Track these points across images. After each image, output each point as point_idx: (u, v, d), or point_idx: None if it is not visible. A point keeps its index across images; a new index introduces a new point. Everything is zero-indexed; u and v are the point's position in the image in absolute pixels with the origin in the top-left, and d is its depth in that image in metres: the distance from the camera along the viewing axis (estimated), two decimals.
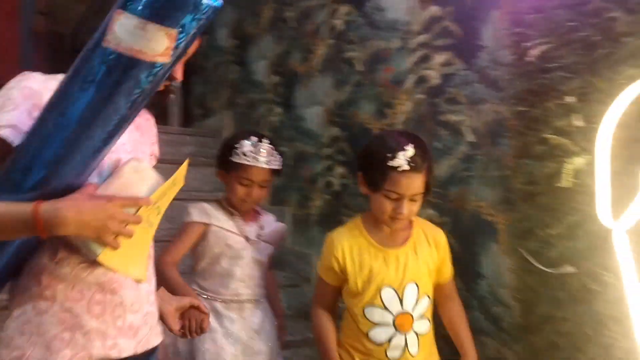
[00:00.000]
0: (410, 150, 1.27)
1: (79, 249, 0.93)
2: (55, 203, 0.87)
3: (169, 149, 3.33)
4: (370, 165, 1.36)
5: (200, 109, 3.62)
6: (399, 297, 1.38)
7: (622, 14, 1.32)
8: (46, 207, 0.85)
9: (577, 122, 1.44)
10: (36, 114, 0.91)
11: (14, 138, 0.90)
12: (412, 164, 1.27)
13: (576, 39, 1.42)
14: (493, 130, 1.73)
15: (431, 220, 1.54)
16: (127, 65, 0.85)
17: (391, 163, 1.27)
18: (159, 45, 0.85)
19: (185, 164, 1.04)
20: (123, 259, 0.95)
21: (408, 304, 1.38)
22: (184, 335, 1.24)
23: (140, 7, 0.83)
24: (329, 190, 2.48)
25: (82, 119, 0.87)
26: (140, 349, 1.02)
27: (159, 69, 0.88)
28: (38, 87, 0.95)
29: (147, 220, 0.96)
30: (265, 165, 1.57)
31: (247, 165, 1.55)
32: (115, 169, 0.96)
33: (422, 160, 1.29)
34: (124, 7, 0.84)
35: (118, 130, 0.92)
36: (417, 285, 1.39)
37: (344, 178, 2.40)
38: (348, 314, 1.45)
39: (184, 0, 0.84)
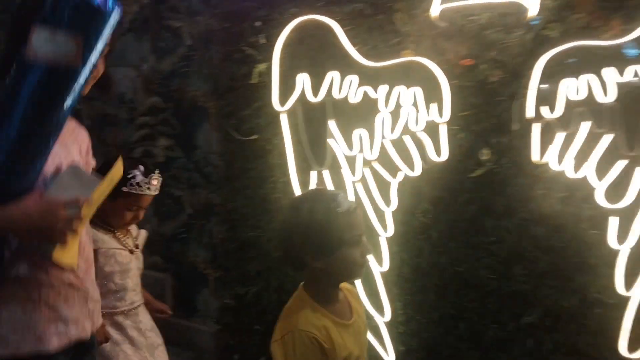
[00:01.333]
0: (340, 192, 1.26)
1: (36, 252, 1.07)
2: (4, 209, 0.98)
3: None
4: (315, 233, 1.18)
5: None
6: None
7: None
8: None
9: (262, 40, 2.12)
10: None
11: None
12: (351, 201, 1.24)
13: None
14: (205, 37, 2.29)
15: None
16: (48, 74, 0.98)
17: (340, 210, 1.19)
18: (69, 49, 0.98)
19: (119, 161, 1.21)
20: (68, 252, 1.10)
21: None
22: None
23: (46, 20, 0.96)
24: (150, 160, 2.44)
25: (19, 129, 0.98)
26: (94, 329, 1.28)
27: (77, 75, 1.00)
28: None
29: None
30: (155, 193, 1.67)
31: (140, 194, 1.63)
32: (56, 175, 1.08)
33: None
34: (38, 22, 0.97)
35: (52, 136, 1.04)
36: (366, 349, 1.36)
37: (169, 150, 2.42)
38: None
39: (78, 8, 0.97)
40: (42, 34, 0.96)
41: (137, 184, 1.62)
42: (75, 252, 1.14)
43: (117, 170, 1.19)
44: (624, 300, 1.59)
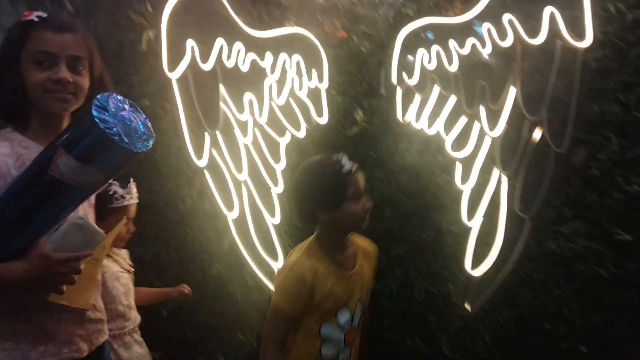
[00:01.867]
0: (344, 156, 1.43)
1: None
2: (10, 266, 1.04)
3: None
4: (324, 189, 1.40)
5: None
6: (352, 316, 1.47)
7: None
8: (2, 270, 1.04)
9: (149, 8, 2.17)
10: None
11: None
12: (354, 163, 1.43)
13: None
14: (88, 4, 2.25)
15: None
16: (70, 187, 1.01)
17: (344, 171, 1.40)
18: (94, 178, 1.03)
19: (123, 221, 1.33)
20: (70, 294, 1.14)
21: (356, 320, 1.48)
22: None
23: (77, 152, 0.97)
24: None
25: (30, 221, 1.04)
26: (93, 347, 1.28)
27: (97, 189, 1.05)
28: None
29: (93, 258, 1.15)
30: (137, 200, 1.69)
31: (126, 206, 1.64)
32: (61, 227, 1.09)
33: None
34: (65, 148, 0.97)
35: (59, 218, 1.08)
36: (362, 302, 1.51)
37: None
38: (296, 337, 1.45)
39: (112, 150, 0.97)
40: (72, 164, 0.98)
41: (121, 196, 1.67)
42: (90, 295, 1.21)
43: (120, 225, 1.35)
44: (468, 229, 2.00)
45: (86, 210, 1.28)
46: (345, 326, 1.46)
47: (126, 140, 0.96)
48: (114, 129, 0.95)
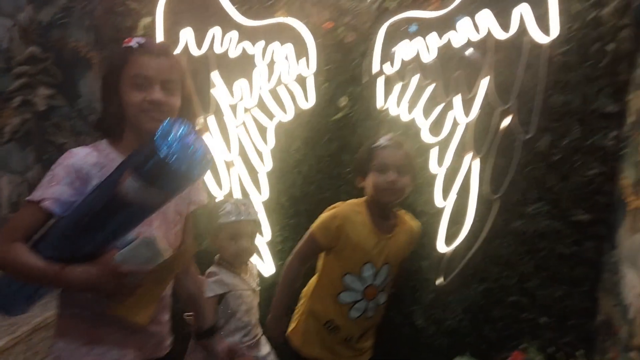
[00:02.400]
0: (387, 136, 1.70)
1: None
2: (75, 268, 1.13)
3: None
4: (359, 160, 1.71)
5: None
6: (375, 274, 1.67)
7: None
8: (67, 272, 1.13)
9: None
10: (77, 183, 1.16)
11: (56, 208, 1.15)
12: (391, 141, 1.65)
13: None
14: None
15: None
16: (133, 206, 1.10)
17: (374, 146, 1.65)
18: (155, 199, 1.12)
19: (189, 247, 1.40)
20: (129, 308, 1.21)
21: (378, 280, 1.69)
22: None
23: (141, 174, 1.05)
24: (30, 109, 2.45)
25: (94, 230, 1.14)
26: (145, 358, 1.34)
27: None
28: (79, 163, 1.18)
29: (158, 277, 1.22)
30: (248, 218, 1.78)
31: (233, 222, 1.74)
32: (135, 238, 1.17)
33: (401, 142, 1.70)
34: (132, 170, 1.06)
35: (128, 229, 1.17)
36: (390, 267, 1.72)
37: (51, 99, 2.44)
38: (322, 276, 1.71)
39: (171, 174, 1.05)
40: (135, 184, 1.06)
41: (228, 212, 1.79)
42: (148, 312, 1.26)
43: (187, 250, 1.43)
44: (441, 210, 2.16)
45: (169, 230, 1.36)
46: (367, 280, 1.66)
47: (184, 167, 1.05)
48: (174, 156, 1.04)
